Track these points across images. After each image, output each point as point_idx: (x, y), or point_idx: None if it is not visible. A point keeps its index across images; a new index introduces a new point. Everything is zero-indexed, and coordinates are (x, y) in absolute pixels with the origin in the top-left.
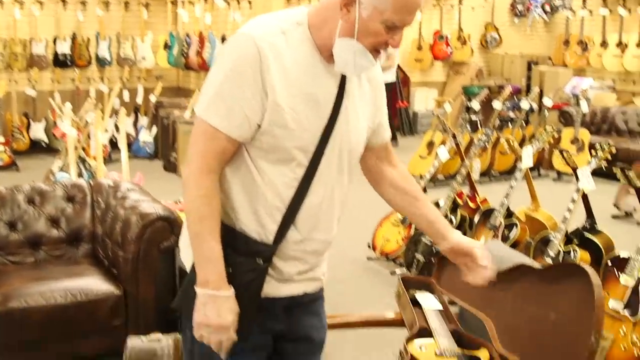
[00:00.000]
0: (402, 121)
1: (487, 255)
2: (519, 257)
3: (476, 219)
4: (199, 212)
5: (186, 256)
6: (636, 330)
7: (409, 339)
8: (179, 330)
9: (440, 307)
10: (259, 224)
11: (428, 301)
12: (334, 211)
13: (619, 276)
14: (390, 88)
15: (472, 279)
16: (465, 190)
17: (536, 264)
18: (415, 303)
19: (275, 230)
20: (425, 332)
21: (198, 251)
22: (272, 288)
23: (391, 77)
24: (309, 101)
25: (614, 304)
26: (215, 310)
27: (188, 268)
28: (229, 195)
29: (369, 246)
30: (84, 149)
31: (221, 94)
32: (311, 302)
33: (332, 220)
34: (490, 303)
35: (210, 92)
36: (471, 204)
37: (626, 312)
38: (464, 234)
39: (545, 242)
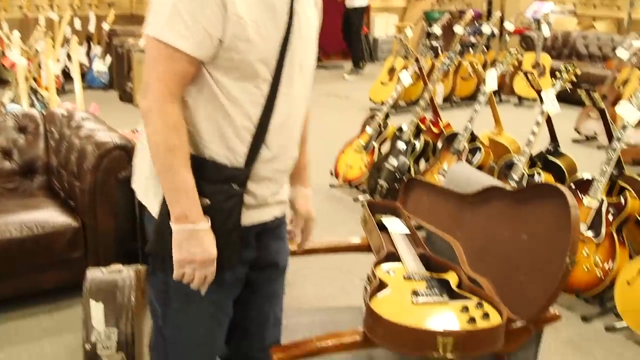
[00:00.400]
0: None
1: (300, 234)
2: (487, 179)
3: (439, 144)
4: (168, 144)
5: (146, 192)
6: (599, 252)
7: (377, 264)
8: (140, 262)
9: (407, 231)
10: (227, 149)
11: (395, 225)
12: (299, 126)
13: (582, 198)
14: (362, 12)
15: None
16: (428, 115)
17: (507, 186)
18: (382, 228)
19: (246, 152)
20: (393, 256)
21: (170, 186)
22: (248, 215)
23: (364, 0)
24: (267, 9)
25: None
26: (199, 244)
27: (150, 205)
28: (193, 122)
29: (331, 173)
30: (35, 79)
31: (178, 11)
32: (277, 227)
33: (298, 135)
34: (459, 226)
35: (165, 11)
36: (434, 129)
37: (589, 234)
38: (427, 159)
39: (509, 165)
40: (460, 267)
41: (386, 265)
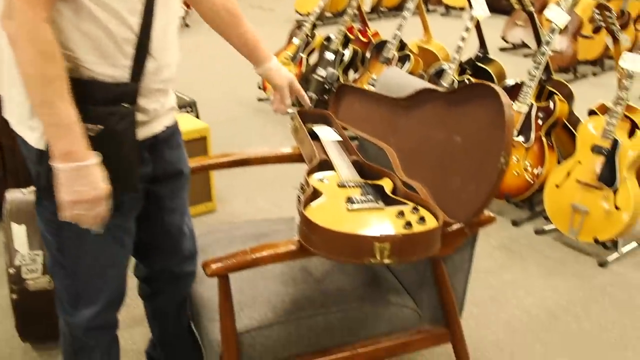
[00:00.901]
0: None
1: (287, 95)
2: (419, 83)
3: (368, 53)
4: (43, 75)
5: (20, 121)
6: (528, 157)
7: (310, 172)
8: None
9: (340, 139)
10: (111, 66)
11: (326, 133)
12: (176, 32)
13: (511, 104)
14: None
15: (275, 107)
16: (356, 25)
17: (440, 88)
18: (314, 137)
19: (131, 66)
20: (326, 164)
21: (50, 120)
22: (139, 131)
23: None
24: None
25: None
26: (88, 182)
27: (27, 136)
28: (68, 44)
29: (259, 87)
30: None
31: None
32: (171, 136)
33: (176, 39)
34: (393, 132)
35: None
36: (363, 38)
37: (520, 139)
38: (356, 69)
39: (439, 73)
40: (394, 174)
41: (319, 174)
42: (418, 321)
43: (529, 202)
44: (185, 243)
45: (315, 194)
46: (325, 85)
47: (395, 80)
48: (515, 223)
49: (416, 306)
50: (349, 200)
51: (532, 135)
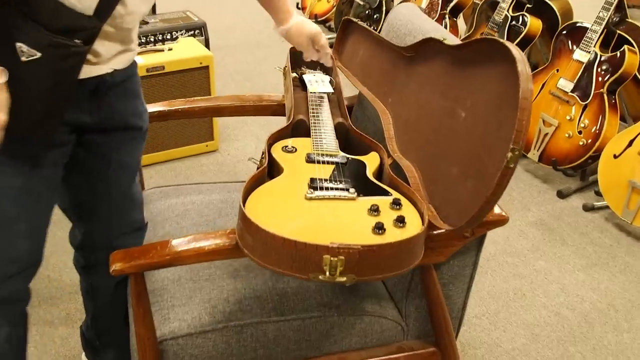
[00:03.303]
0: None
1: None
2: (430, 27)
3: None
4: None
5: None
6: (585, 117)
7: (275, 137)
8: None
9: (331, 90)
10: None
11: (316, 84)
12: None
13: (572, 49)
14: None
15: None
16: None
17: (451, 39)
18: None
19: (99, 1)
20: (302, 126)
21: None
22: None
23: None
24: None
25: (563, 83)
26: None
27: None
28: None
29: (298, 6)
30: None
31: None
32: (122, 82)
33: None
34: (392, 89)
35: None
36: None
37: (575, 95)
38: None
39: (493, 4)
40: (384, 148)
41: (289, 141)
42: (401, 336)
43: (580, 170)
44: (132, 212)
45: (274, 168)
46: (367, 11)
47: (405, 19)
48: (561, 194)
49: (400, 317)
50: (312, 183)
51: (592, 91)
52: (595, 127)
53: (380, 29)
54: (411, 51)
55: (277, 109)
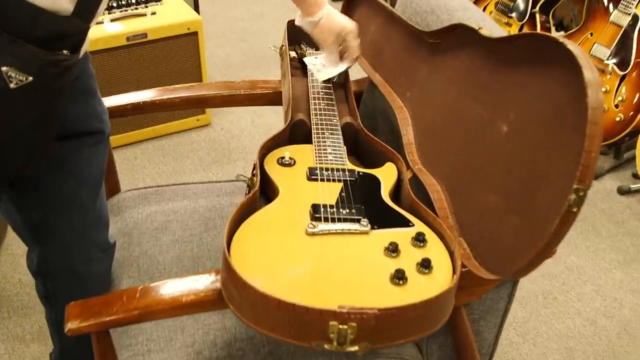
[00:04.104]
0: None
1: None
2: (460, 5)
3: None
4: None
5: None
6: (623, 88)
7: (269, 146)
8: None
9: (334, 75)
10: None
11: (321, 68)
12: None
13: (609, 11)
14: None
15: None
16: None
17: (488, 26)
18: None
19: None
20: (302, 127)
21: None
22: None
23: None
24: None
25: (598, 49)
26: None
27: None
28: None
29: None
30: None
31: None
32: (76, 79)
33: None
34: (410, 82)
35: None
36: None
37: (612, 63)
38: None
39: None
40: (401, 158)
41: (287, 150)
42: None
43: (616, 148)
44: (96, 232)
45: (267, 186)
46: None
47: None
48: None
49: (421, 357)
50: (315, 212)
51: (632, 59)
52: (634, 100)
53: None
54: (436, 37)
55: (273, 98)
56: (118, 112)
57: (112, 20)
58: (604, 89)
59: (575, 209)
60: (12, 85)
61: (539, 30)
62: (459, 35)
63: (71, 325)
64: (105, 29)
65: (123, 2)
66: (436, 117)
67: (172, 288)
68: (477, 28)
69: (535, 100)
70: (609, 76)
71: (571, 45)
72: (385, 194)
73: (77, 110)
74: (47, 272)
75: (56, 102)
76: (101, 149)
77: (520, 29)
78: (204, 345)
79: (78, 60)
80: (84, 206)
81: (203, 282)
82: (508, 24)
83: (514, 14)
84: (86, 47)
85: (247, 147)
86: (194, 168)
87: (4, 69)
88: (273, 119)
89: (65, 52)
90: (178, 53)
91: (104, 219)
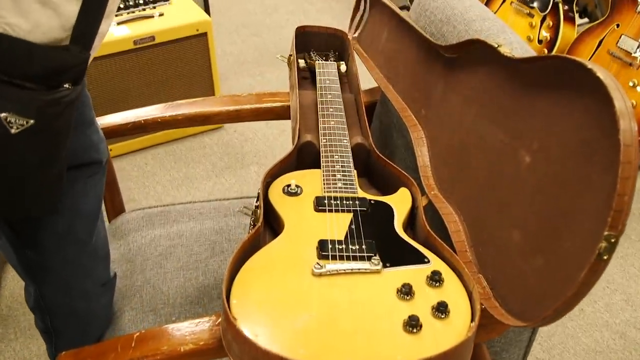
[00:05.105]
0: None
1: None
2: (479, 16)
3: None
4: None
5: None
6: (545, 28)
7: (273, 174)
8: None
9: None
10: (51, 9)
11: (332, 79)
12: None
13: (637, 1)
14: None
15: None
16: None
17: (509, 41)
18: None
19: (77, 12)
20: (310, 150)
21: None
22: None
23: None
24: None
25: (627, 42)
26: None
27: None
28: None
29: None
30: None
31: None
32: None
33: None
34: (425, 99)
35: None
36: None
37: (535, 5)
38: None
39: None
40: (415, 183)
41: (294, 177)
42: None
43: None
44: (94, 268)
45: (271, 217)
46: None
47: (443, 4)
48: None
49: None
50: (323, 250)
51: None
52: None
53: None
54: (452, 51)
55: (281, 112)
56: (119, 131)
57: (118, 24)
58: (631, 83)
59: (606, 257)
60: (13, 131)
61: (562, 20)
62: (477, 52)
63: None
64: (112, 33)
65: (130, 3)
66: (453, 140)
67: (169, 335)
68: (497, 46)
69: (560, 131)
70: (637, 69)
71: (601, 72)
72: (398, 224)
73: (73, 143)
74: (45, 309)
75: (62, 140)
76: (97, 179)
77: (543, 20)
78: None
79: (80, 92)
80: (80, 241)
81: (202, 328)
82: (530, 15)
83: (535, 4)
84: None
85: (261, 151)
86: (206, 174)
87: (2, 115)
88: (288, 121)
89: (66, 85)
90: (187, 55)
91: (101, 252)
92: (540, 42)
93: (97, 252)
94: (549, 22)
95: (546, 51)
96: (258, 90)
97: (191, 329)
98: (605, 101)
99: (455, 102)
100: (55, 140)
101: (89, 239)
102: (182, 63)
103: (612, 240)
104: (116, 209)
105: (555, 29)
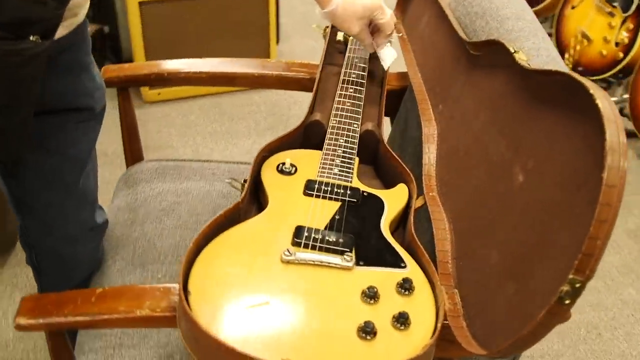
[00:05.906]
0: None
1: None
2: (513, 14)
3: None
4: None
5: None
6: (624, 29)
7: (270, 149)
8: None
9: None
10: None
11: (360, 53)
12: None
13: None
14: None
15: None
16: None
17: (537, 49)
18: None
19: None
20: (317, 130)
21: None
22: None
23: None
24: None
25: None
26: None
27: None
28: None
29: None
30: None
31: None
32: (64, 53)
33: None
34: (444, 95)
35: None
36: None
37: (617, 4)
38: None
39: None
40: (414, 181)
41: (290, 156)
42: None
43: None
44: (78, 211)
45: (263, 196)
46: None
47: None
48: None
49: None
50: (297, 236)
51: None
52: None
53: None
54: (475, 49)
55: (307, 84)
56: (140, 80)
57: None
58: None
59: (568, 301)
60: None
61: None
62: (496, 54)
63: (20, 321)
64: None
65: None
66: (460, 143)
67: (130, 297)
68: (513, 51)
69: (557, 154)
70: (613, 17)
71: (601, 100)
72: (386, 222)
73: (61, 86)
74: (31, 245)
75: (26, 89)
76: (90, 126)
77: (624, 21)
78: (177, 349)
79: (51, 45)
80: (66, 184)
81: (164, 295)
82: (611, 14)
83: (617, 3)
84: (79, 20)
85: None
86: (248, 132)
87: None
88: None
89: (32, 38)
90: (244, 5)
91: (89, 198)
92: (617, 44)
93: (85, 197)
94: (629, 24)
95: (621, 55)
96: (317, 55)
97: (152, 294)
98: (601, 131)
99: (470, 102)
100: (17, 89)
101: (76, 183)
102: (239, 13)
103: (577, 285)
104: (134, 156)
105: (634, 33)
